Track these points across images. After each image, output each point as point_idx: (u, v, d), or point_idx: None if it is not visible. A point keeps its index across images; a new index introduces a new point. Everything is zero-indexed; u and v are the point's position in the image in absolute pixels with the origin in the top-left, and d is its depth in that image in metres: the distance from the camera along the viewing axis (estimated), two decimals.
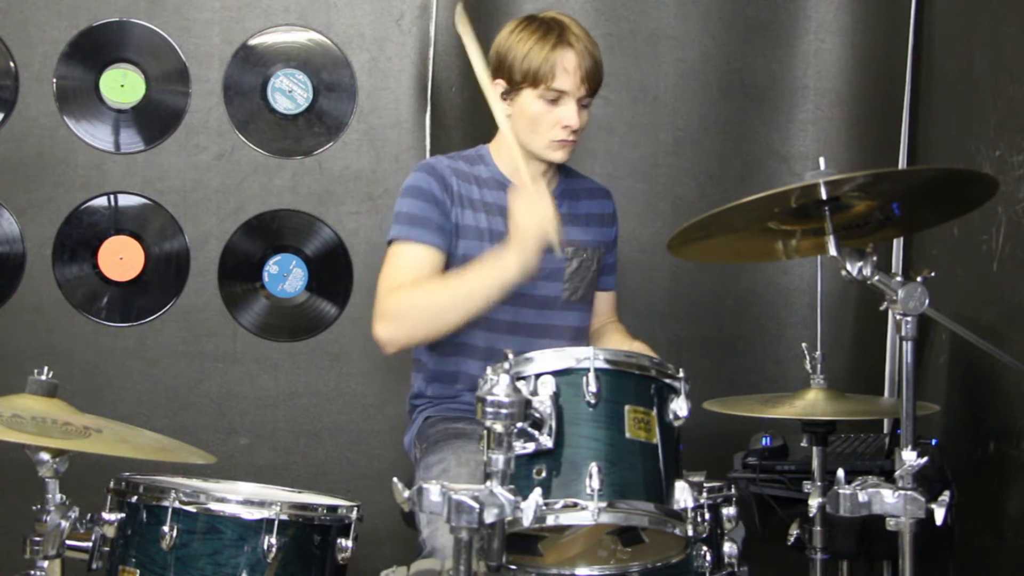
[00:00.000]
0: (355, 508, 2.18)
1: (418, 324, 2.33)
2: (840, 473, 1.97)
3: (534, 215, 2.24)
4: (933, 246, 2.96)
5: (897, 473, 1.91)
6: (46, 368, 2.09)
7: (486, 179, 2.52)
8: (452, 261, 2.42)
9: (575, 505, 1.74)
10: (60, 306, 3.16)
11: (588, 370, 1.80)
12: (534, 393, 1.77)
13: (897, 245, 3.18)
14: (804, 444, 2.36)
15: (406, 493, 1.73)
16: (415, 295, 2.33)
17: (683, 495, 1.82)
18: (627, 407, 1.81)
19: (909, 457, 1.90)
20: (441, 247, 2.40)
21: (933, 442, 2.58)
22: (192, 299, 3.19)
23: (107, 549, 2.06)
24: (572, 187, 2.62)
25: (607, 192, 2.71)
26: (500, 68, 2.46)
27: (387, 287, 2.36)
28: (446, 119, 3.18)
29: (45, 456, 1.95)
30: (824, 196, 1.92)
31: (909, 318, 1.92)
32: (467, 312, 2.30)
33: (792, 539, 2.39)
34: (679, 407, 1.86)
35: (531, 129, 2.45)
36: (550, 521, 1.75)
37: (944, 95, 3.03)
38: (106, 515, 2.07)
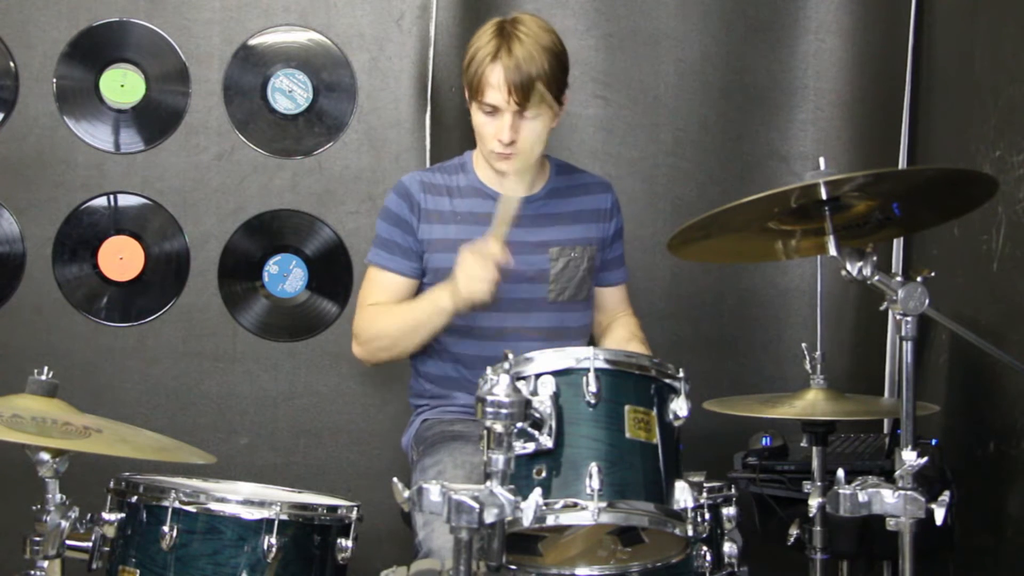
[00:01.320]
0: (355, 508, 2.18)
1: (379, 349, 2.56)
2: (840, 473, 1.97)
3: (473, 281, 2.35)
4: (933, 246, 2.96)
5: (897, 473, 1.91)
6: (46, 368, 2.09)
7: (463, 188, 2.55)
8: (424, 274, 2.55)
9: (575, 505, 1.75)
10: (60, 306, 3.16)
11: (588, 370, 1.80)
12: (534, 393, 1.77)
13: (897, 245, 3.18)
14: (804, 444, 2.36)
15: (406, 493, 1.73)
16: (372, 324, 2.54)
17: (683, 495, 1.82)
18: (627, 407, 1.82)
19: (909, 457, 1.90)
20: (407, 272, 2.55)
21: (933, 442, 2.58)
22: (192, 299, 3.19)
23: (107, 549, 2.06)
24: (563, 184, 2.63)
25: (605, 185, 2.70)
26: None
27: (359, 308, 2.59)
28: (446, 119, 3.17)
29: (45, 456, 1.95)
30: (824, 196, 1.92)
31: (909, 318, 1.92)
32: (417, 339, 2.51)
33: (792, 539, 2.39)
34: (679, 407, 1.87)
35: (479, 139, 2.52)
36: (550, 521, 1.75)
37: (944, 95, 3.03)
38: (106, 515, 2.07)
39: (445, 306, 2.41)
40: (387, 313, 2.53)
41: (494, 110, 2.43)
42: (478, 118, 2.47)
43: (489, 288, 2.34)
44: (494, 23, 2.48)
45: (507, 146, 2.44)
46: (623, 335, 2.62)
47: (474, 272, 2.34)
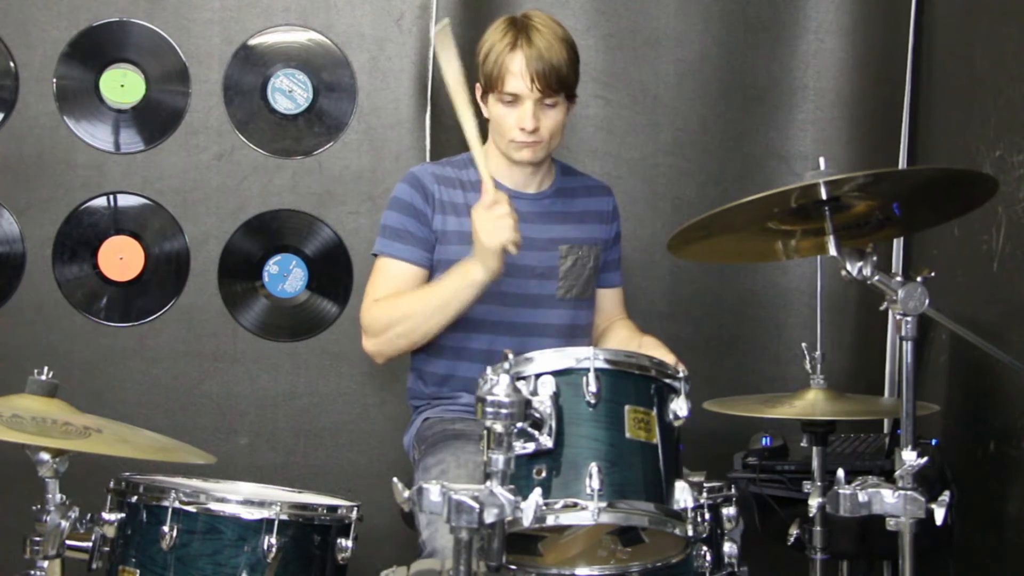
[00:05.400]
0: (355, 508, 2.18)
1: (398, 336, 2.45)
2: (840, 473, 1.97)
3: (491, 232, 2.30)
4: (933, 246, 2.95)
5: (897, 473, 1.91)
6: (46, 368, 2.10)
7: (475, 182, 2.54)
8: (438, 267, 2.51)
9: (575, 505, 1.75)
10: (60, 306, 3.16)
11: (588, 370, 1.80)
12: (534, 393, 1.77)
13: (897, 245, 3.18)
14: (804, 444, 2.36)
15: (406, 493, 1.73)
16: (391, 310, 2.45)
17: (683, 495, 1.82)
18: (627, 407, 1.82)
19: (909, 457, 1.90)
20: (421, 262, 2.50)
21: (933, 442, 2.58)
22: (192, 299, 3.19)
23: (107, 549, 2.07)
24: (568, 185, 2.64)
25: (607, 189, 2.72)
26: (477, 72, 2.50)
27: (368, 301, 2.50)
28: (446, 119, 3.17)
29: (45, 456, 1.95)
30: (824, 196, 1.92)
31: (909, 318, 1.92)
32: (443, 320, 2.42)
33: (792, 539, 2.39)
34: (679, 407, 1.87)
35: (498, 132, 2.52)
36: (550, 521, 1.75)
37: (944, 95, 3.03)
38: (106, 515, 2.07)
39: (476, 277, 2.34)
40: (410, 296, 2.46)
41: (515, 99, 2.44)
42: (496, 110, 2.47)
43: (514, 226, 2.30)
44: (505, 19, 2.50)
45: (530, 134, 2.45)
46: (625, 335, 2.62)
47: (490, 223, 2.30)
